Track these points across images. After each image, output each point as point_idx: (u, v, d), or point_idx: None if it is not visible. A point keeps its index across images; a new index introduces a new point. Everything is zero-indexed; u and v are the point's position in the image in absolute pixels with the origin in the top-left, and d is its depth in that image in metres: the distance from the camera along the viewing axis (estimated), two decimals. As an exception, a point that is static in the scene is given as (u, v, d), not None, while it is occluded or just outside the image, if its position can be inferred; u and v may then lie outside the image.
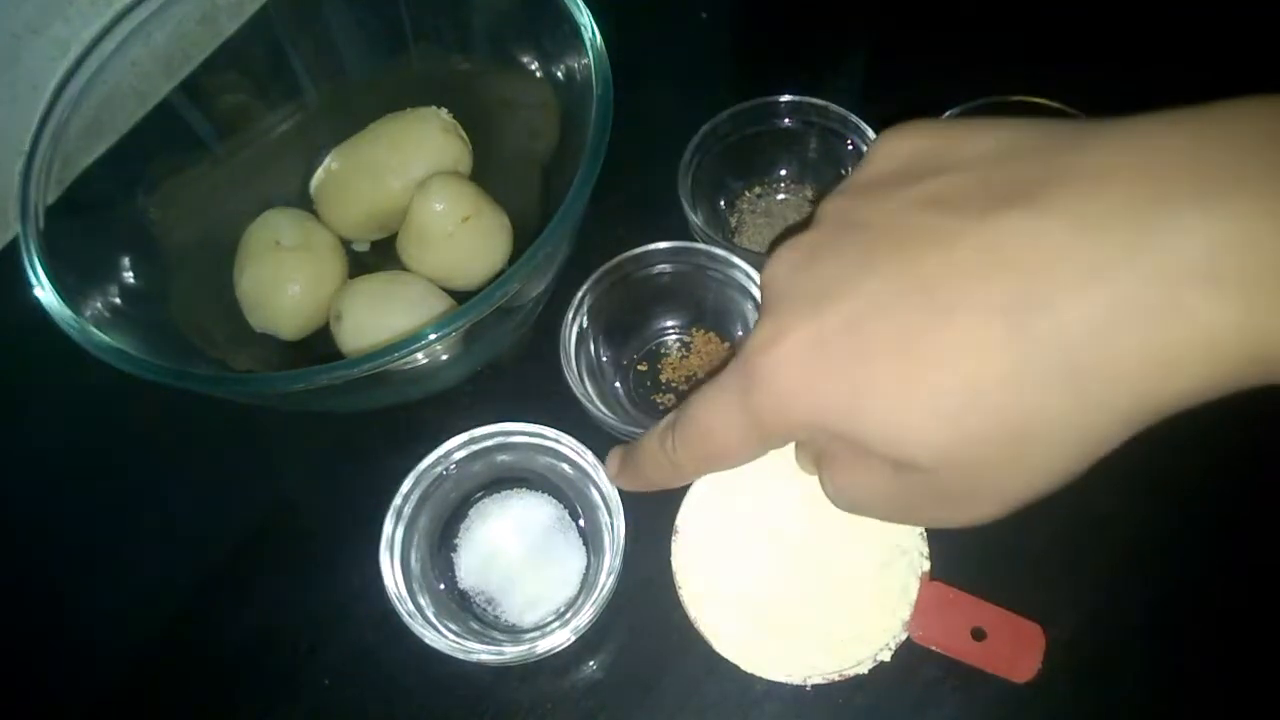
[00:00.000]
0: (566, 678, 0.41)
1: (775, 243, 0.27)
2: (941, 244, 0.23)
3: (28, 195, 0.40)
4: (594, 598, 0.38)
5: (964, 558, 0.40)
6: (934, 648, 0.38)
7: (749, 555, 0.40)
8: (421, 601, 0.39)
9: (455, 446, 0.41)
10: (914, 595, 0.38)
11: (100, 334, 0.37)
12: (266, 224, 0.46)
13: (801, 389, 0.25)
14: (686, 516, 0.40)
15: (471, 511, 0.44)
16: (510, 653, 0.37)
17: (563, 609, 0.41)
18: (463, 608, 0.42)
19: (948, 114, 0.44)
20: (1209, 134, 0.20)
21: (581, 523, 0.43)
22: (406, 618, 0.38)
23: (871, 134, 0.47)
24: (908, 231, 0.24)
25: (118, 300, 0.42)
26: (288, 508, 0.47)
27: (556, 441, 0.41)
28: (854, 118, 0.47)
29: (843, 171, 0.49)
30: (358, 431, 0.48)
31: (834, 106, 0.48)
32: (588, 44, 0.41)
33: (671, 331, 0.48)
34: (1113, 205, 0.20)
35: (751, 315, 0.45)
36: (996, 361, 0.22)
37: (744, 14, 0.60)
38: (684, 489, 0.41)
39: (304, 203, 0.49)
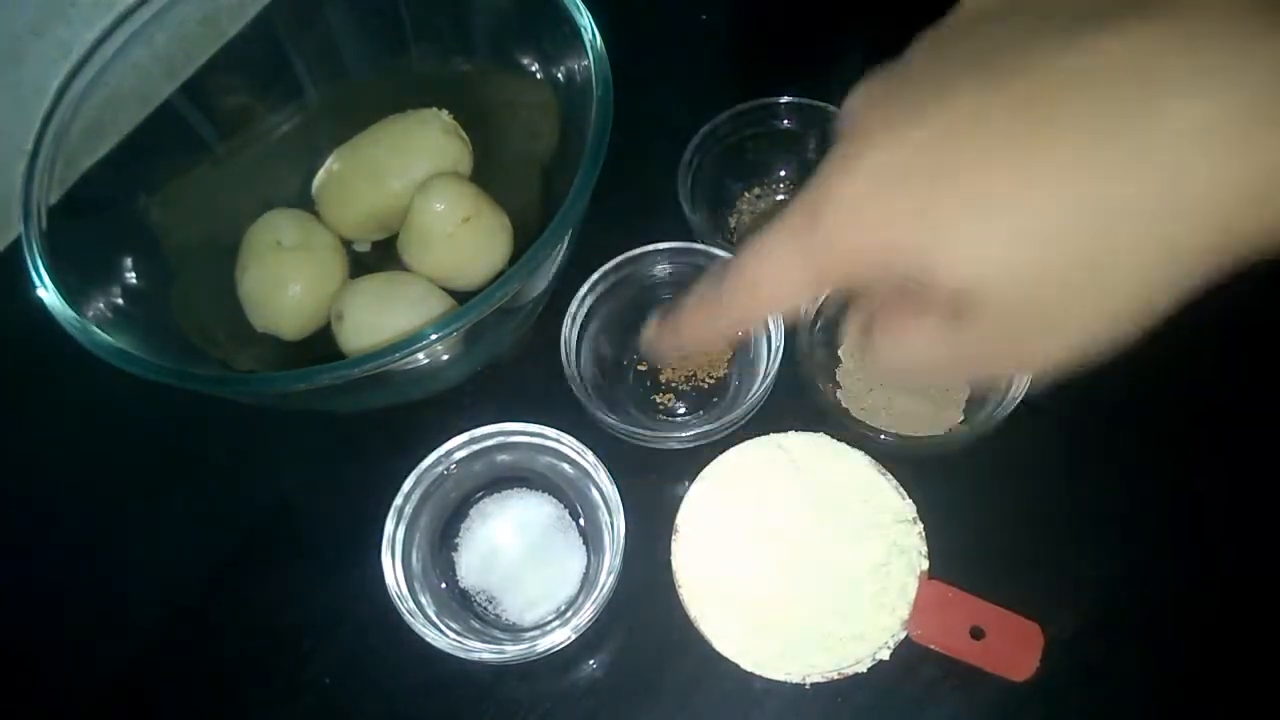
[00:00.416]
0: (566, 677, 0.41)
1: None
2: (1033, 65, 0.21)
3: (30, 196, 0.40)
4: (594, 597, 0.38)
5: (963, 557, 0.40)
6: (933, 646, 0.38)
7: (749, 555, 0.40)
8: (422, 600, 0.39)
9: (456, 446, 0.41)
10: (913, 594, 0.38)
11: (102, 334, 0.37)
12: (268, 224, 0.46)
13: (870, 217, 0.23)
14: (686, 516, 0.40)
15: (472, 511, 0.44)
16: (510, 651, 0.37)
17: (563, 608, 0.42)
18: (463, 607, 0.42)
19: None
20: None
21: (581, 522, 0.43)
22: (407, 616, 0.38)
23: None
24: (999, 55, 0.22)
25: (120, 300, 0.42)
26: (288, 508, 0.47)
27: (557, 441, 0.41)
28: (853, 119, 0.47)
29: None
30: (358, 431, 0.48)
31: (834, 107, 0.48)
32: (588, 45, 0.41)
33: (671, 332, 0.48)
34: (1212, 23, 0.20)
35: (751, 315, 0.45)
36: (1088, 172, 0.21)
37: (744, 15, 0.60)
38: (684, 489, 0.41)
39: (305, 203, 0.49)
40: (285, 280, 0.45)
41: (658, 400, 0.47)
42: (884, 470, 0.40)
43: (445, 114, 0.48)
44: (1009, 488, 0.43)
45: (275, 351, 0.47)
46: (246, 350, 0.46)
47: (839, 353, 0.46)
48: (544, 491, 0.44)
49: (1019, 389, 0.41)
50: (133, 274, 0.44)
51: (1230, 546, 0.42)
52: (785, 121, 0.49)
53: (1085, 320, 0.23)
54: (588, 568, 0.42)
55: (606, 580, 0.38)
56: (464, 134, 0.48)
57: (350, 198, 0.48)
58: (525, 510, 0.44)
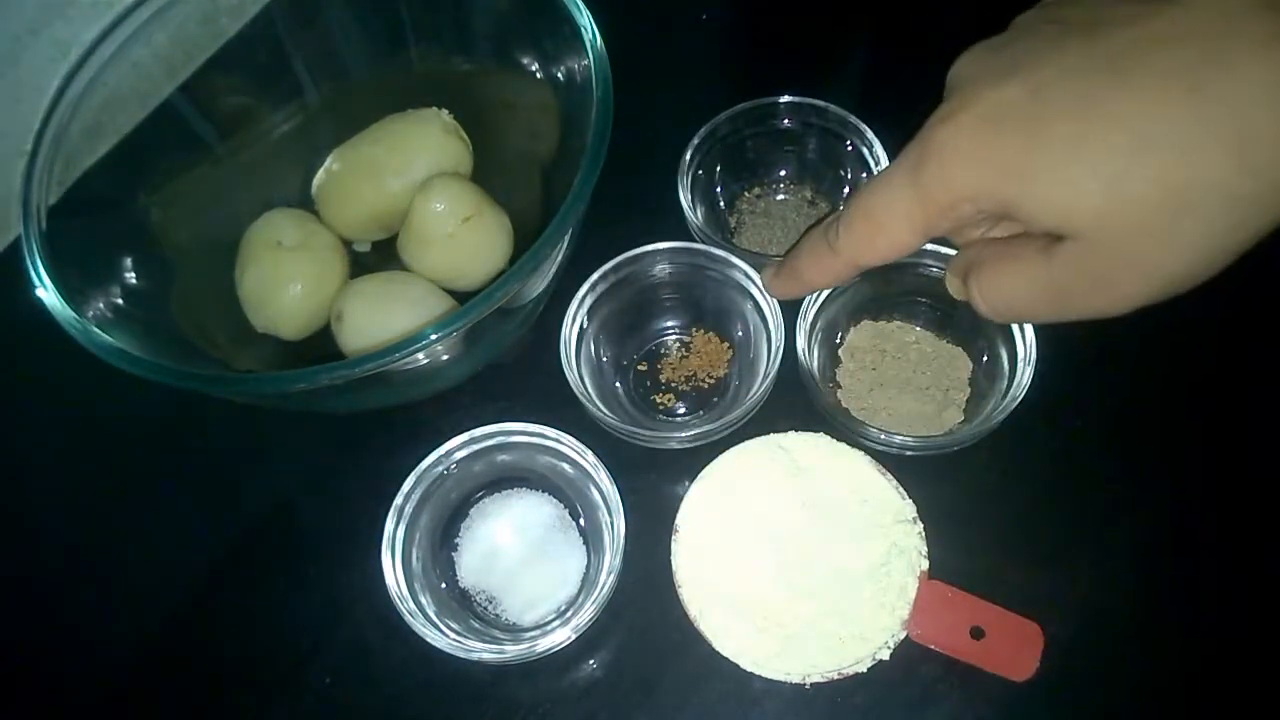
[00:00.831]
0: (566, 677, 0.41)
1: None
2: (1133, 23, 0.24)
3: (30, 196, 0.40)
4: (594, 597, 0.38)
5: (963, 557, 0.40)
6: (933, 646, 0.38)
7: (749, 555, 0.40)
8: (422, 600, 0.39)
9: (456, 446, 0.41)
10: (913, 594, 0.38)
11: (102, 334, 0.37)
12: (268, 224, 0.46)
13: (973, 154, 0.26)
14: (686, 516, 0.40)
15: (472, 511, 0.44)
16: (511, 651, 0.37)
17: (563, 608, 0.42)
18: (463, 606, 0.42)
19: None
20: None
21: (582, 522, 0.43)
22: (407, 616, 0.38)
23: (871, 134, 0.47)
24: (1102, 17, 0.25)
25: (119, 300, 0.42)
26: (288, 508, 0.47)
27: (557, 441, 0.41)
28: (853, 118, 0.47)
29: (842, 173, 0.49)
30: (358, 431, 0.48)
31: (834, 107, 0.48)
32: (588, 45, 0.41)
33: (671, 331, 0.48)
34: None
35: (751, 315, 0.45)
36: (1168, 120, 0.23)
37: (744, 15, 0.60)
38: (684, 489, 0.41)
39: (305, 203, 0.49)
40: (285, 280, 0.45)
41: (658, 400, 0.47)
42: (884, 470, 0.40)
43: (445, 114, 0.48)
44: (1009, 488, 0.43)
45: (275, 351, 0.47)
46: (246, 350, 0.46)
47: (839, 353, 0.46)
48: (544, 491, 0.44)
49: (1019, 389, 0.41)
50: (132, 274, 0.43)
51: (1230, 546, 0.42)
52: (785, 121, 0.49)
53: (1164, 261, 0.25)
54: (588, 568, 0.42)
55: (606, 580, 0.38)
56: (464, 134, 0.48)
57: (350, 198, 0.48)
58: (525, 510, 0.44)
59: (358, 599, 0.42)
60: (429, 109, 0.48)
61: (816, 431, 0.42)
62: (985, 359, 0.44)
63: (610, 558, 0.39)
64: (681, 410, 0.47)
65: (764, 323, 0.44)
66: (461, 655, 0.37)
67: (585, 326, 0.45)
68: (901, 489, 0.40)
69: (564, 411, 0.43)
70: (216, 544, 0.46)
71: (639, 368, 0.48)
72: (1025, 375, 0.41)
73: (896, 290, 0.45)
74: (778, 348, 0.42)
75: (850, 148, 0.48)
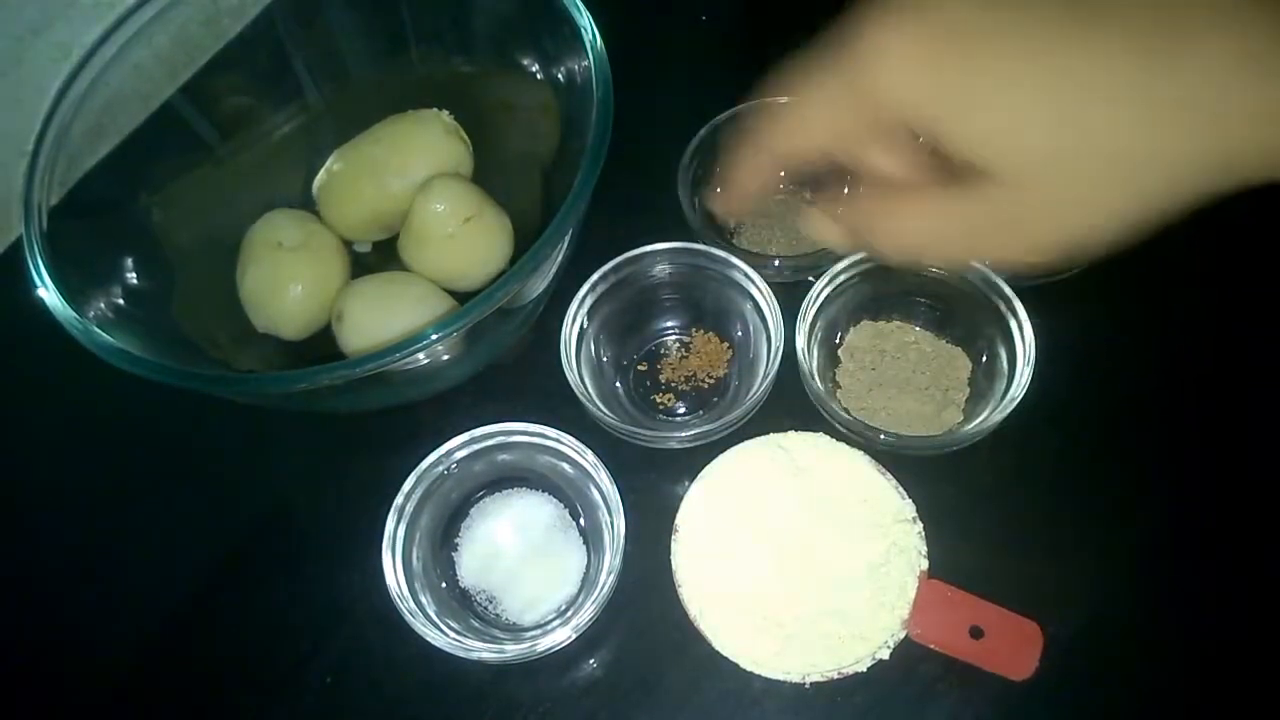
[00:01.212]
0: (567, 676, 0.41)
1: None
2: None
3: (31, 196, 0.40)
4: (594, 596, 0.38)
5: (963, 557, 0.40)
6: (933, 646, 0.38)
7: (749, 555, 0.40)
8: (423, 600, 0.39)
9: (456, 446, 0.41)
10: (912, 594, 0.38)
11: (103, 334, 0.37)
12: (269, 225, 0.46)
13: (915, 71, 0.25)
14: (686, 516, 0.40)
15: (473, 510, 0.44)
16: (511, 651, 0.37)
17: (563, 607, 0.42)
18: (464, 606, 0.42)
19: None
20: None
21: (582, 522, 0.43)
22: (408, 616, 0.38)
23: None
24: None
25: (121, 301, 0.42)
26: (288, 508, 0.47)
27: (557, 441, 0.41)
28: (853, 119, 0.47)
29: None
30: (358, 431, 0.48)
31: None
32: (588, 46, 0.41)
33: (671, 332, 0.48)
34: None
35: (751, 315, 0.45)
36: (1120, 80, 0.23)
37: (743, 15, 0.60)
38: (683, 489, 0.41)
39: (306, 204, 0.49)
40: (286, 281, 0.45)
41: (658, 400, 0.47)
42: (884, 470, 0.40)
43: (446, 114, 0.48)
44: (1009, 487, 0.43)
45: (276, 352, 0.47)
46: (247, 350, 0.46)
47: (838, 353, 0.46)
48: (544, 491, 0.44)
49: (1019, 389, 0.41)
50: (133, 274, 0.44)
51: (1230, 546, 0.42)
52: (785, 122, 0.49)
53: (1088, 211, 0.25)
54: (588, 567, 0.42)
55: (606, 580, 0.38)
56: (464, 134, 0.48)
57: (351, 198, 0.48)
58: (525, 510, 0.44)
59: (358, 599, 0.42)
60: (430, 110, 0.48)
61: (816, 431, 0.42)
62: (985, 359, 0.44)
63: (610, 557, 0.39)
64: (681, 410, 0.47)
65: (764, 323, 0.44)
66: (461, 655, 0.37)
67: (585, 326, 0.45)
68: (901, 488, 0.40)
69: (564, 411, 0.43)
70: (216, 544, 0.46)
71: (639, 368, 0.48)
72: (1025, 375, 0.41)
73: (896, 290, 0.45)
74: (777, 348, 0.42)
75: (850, 148, 0.48)
